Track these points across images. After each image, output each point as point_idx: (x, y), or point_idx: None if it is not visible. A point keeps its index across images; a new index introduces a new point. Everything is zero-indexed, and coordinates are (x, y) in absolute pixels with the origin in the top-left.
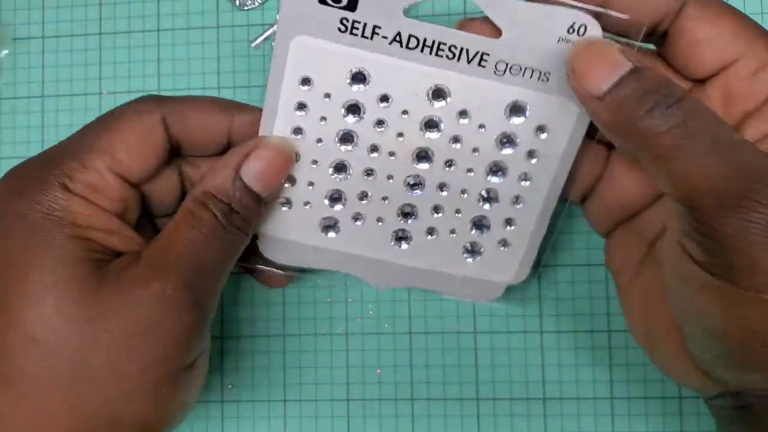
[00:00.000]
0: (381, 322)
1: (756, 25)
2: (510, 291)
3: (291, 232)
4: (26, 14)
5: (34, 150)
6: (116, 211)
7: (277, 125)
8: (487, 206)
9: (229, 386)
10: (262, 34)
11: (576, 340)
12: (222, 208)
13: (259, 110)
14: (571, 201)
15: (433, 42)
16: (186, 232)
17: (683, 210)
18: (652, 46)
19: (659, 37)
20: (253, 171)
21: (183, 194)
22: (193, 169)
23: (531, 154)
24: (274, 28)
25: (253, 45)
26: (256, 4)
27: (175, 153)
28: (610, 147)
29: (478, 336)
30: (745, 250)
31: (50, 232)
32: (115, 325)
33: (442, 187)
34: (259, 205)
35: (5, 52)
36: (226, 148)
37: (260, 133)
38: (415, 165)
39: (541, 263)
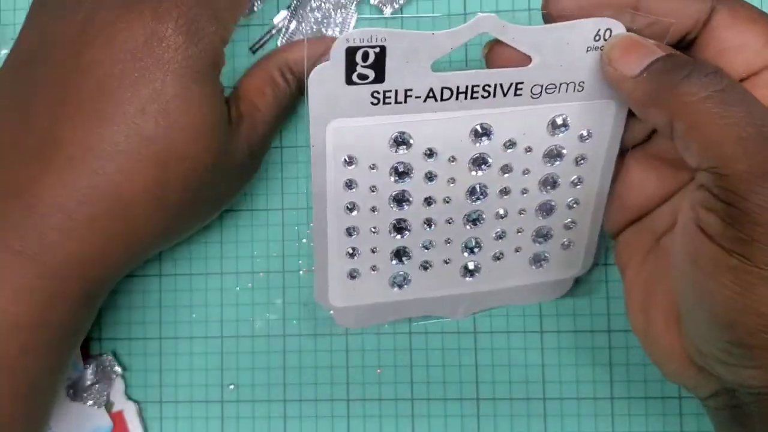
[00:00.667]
0: None
1: None
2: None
3: (363, 299)
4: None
5: None
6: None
7: (329, 207)
8: (546, 218)
9: (230, 386)
10: (261, 39)
11: (576, 340)
12: (298, 78)
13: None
14: None
15: (467, 87)
16: (267, 95)
17: (710, 179)
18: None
19: (687, 42)
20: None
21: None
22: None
23: (578, 160)
24: (273, 32)
25: (253, 52)
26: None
27: None
28: (622, 152)
29: (478, 336)
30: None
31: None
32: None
33: (500, 214)
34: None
35: (5, 51)
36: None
37: (314, 221)
38: (470, 202)
39: (601, 249)
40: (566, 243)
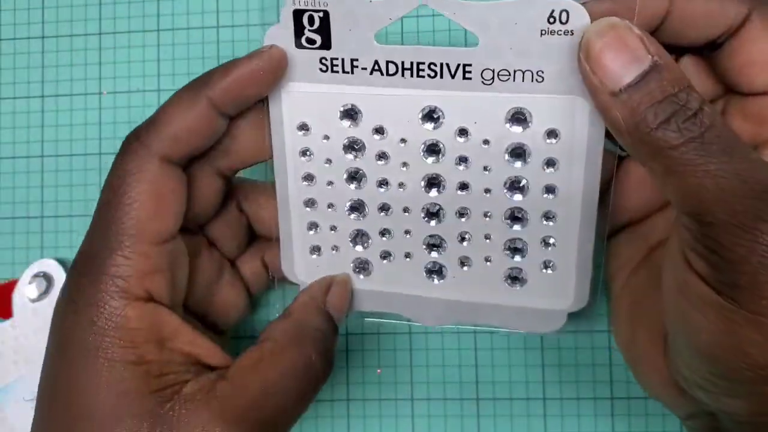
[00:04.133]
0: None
1: None
2: (576, 318)
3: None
4: (26, 14)
5: (34, 150)
6: (176, 286)
7: (290, 175)
8: (517, 227)
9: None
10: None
11: (576, 340)
12: (317, 345)
13: (227, 69)
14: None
15: (411, 64)
16: (271, 373)
17: (691, 224)
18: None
19: (716, 45)
20: (335, 302)
21: (247, 236)
22: (251, 205)
23: (549, 163)
24: None
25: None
26: None
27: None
28: (619, 156)
29: (478, 336)
30: (753, 271)
31: (110, 359)
32: None
33: (461, 213)
34: (337, 335)
35: (5, 51)
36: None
37: (277, 188)
38: (427, 193)
39: (600, 284)
40: (546, 263)
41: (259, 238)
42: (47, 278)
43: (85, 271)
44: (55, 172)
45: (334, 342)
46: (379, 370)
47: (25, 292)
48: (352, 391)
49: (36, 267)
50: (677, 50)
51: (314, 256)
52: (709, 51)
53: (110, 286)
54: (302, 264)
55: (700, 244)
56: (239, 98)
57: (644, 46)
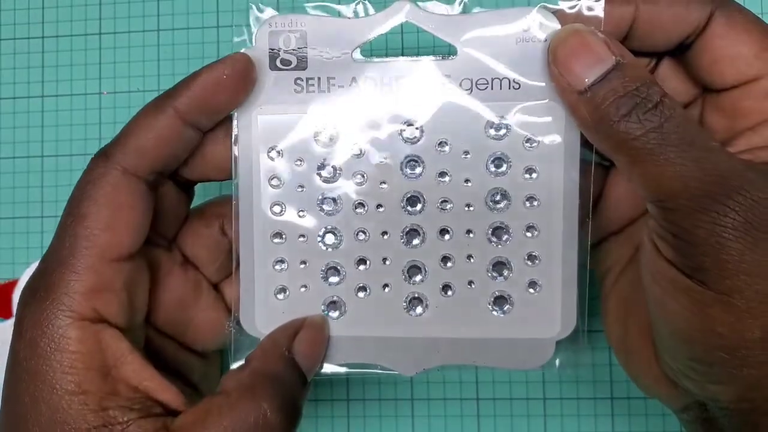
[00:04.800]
0: None
1: None
2: (563, 353)
3: None
4: (26, 14)
5: (34, 150)
6: (130, 304)
7: (255, 207)
8: (500, 243)
9: None
10: None
11: None
12: (278, 391)
13: (193, 79)
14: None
15: (391, 78)
16: (216, 430)
17: (657, 211)
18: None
19: (685, 46)
20: (303, 349)
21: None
22: (192, 240)
23: (529, 170)
24: None
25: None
26: None
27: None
28: (606, 167)
29: None
30: (714, 253)
31: (52, 385)
32: None
33: (443, 231)
34: (306, 388)
35: (5, 51)
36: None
37: (240, 211)
38: (407, 213)
39: (584, 305)
40: (532, 282)
41: None
42: None
43: (35, 287)
44: (55, 172)
45: (302, 394)
46: None
47: None
48: (352, 391)
49: (36, 267)
50: (655, 56)
51: (280, 298)
52: (681, 53)
53: (56, 304)
54: (264, 311)
55: (666, 231)
56: (206, 108)
57: (608, 48)
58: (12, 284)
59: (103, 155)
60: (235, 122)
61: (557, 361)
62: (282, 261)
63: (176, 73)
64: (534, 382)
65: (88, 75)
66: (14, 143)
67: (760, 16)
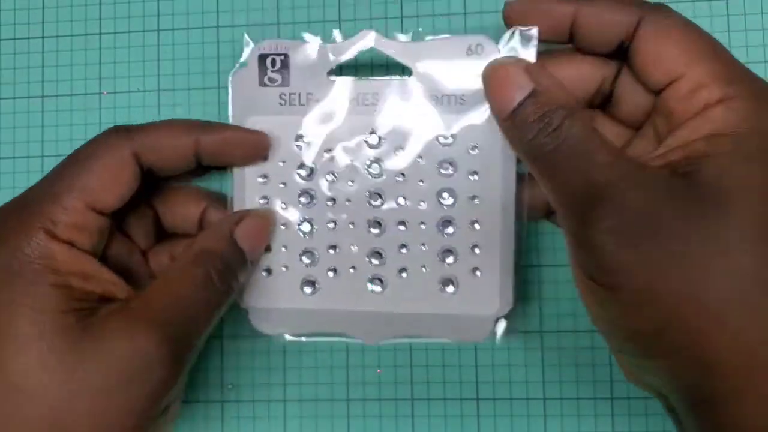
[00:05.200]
0: None
1: (705, 42)
2: (509, 327)
3: (276, 300)
4: (26, 14)
5: (34, 150)
6: (96, 247)
7: (248, 197)
8: (448, 234)
9: (229, 386)
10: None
11: (576, 339)
12: (216, 265)
13: (224, 127)
14: (540, 218)
15: (358, 94)
16: (177, 287)
17: (559, 218)
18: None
19: (625, 49)
20: (244, 233)
21: (157, 230)
22: (164, 208)
23: (472, 173)
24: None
25: None
26: None
27: (146, 179)
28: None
29: None
30: (595, 253)
31: (33, 281)
32: (96, 376)
33: (401, 223)
34: (245, 264)
35: (5, 51)
36: (195, 168)
37: (234, 206)
38: (371, 207)
39: (520, 286)
40: (475, 268)
41: (170, 236)
42: None
43: (14, 209)
44: None
45: (239, 269)
46: (379, 370)
47: None
48: (352, 391)
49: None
50: (618, 60)
51: (265, 276)
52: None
53: (40, 222)
54: (253, 287)
55: (567, 234)
56: (221, 156)
57: (528, 77)
58: None
59: (125, 131)
60: None
61: (497, 335)
62: (268, 247)
63: (176, 73)
64: (534, 382)
65: (88, 75)
66: (14, 143)
67: (759, 16)
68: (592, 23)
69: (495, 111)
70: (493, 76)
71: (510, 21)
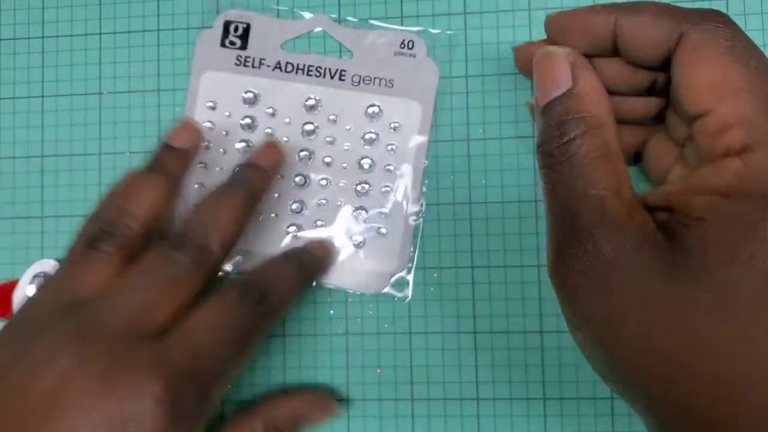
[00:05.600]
0: (381, 322)
1: (746, 71)
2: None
3: None
4: (26, 14)
5: (35, 150)
6: None
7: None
8: (362, 196)
9: (229, 386)
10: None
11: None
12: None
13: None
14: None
15: (305, 66)
16: None
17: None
18: None
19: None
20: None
21: None
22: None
23: (390, 148)
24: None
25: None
26: None
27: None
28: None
29: (477, 336)
30: (569, 283)
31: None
32: None
33: (323, 180)
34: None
35: (5, 51)
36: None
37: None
38: (300, 162)
39: (415, 251)
40: (380, 231)
41: None
42: (47, 278)
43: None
44: (55, 172)
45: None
46: (379, 370)
47: (25, 292)
48: (352, 391)
49: (36, 267)
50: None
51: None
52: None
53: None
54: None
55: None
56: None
57: (569, 74)
58: (12, 284)
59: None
60: (190, 80)
61: (393, 290)
62: (201, 184)
63: (176, 73)
64: (534, 382)
65: (88, 75)
66: (14, 143)
67: (759, 16)
68: (632, 36)
69: (538, 98)
70: (541, 63)
71: (550, 34)
